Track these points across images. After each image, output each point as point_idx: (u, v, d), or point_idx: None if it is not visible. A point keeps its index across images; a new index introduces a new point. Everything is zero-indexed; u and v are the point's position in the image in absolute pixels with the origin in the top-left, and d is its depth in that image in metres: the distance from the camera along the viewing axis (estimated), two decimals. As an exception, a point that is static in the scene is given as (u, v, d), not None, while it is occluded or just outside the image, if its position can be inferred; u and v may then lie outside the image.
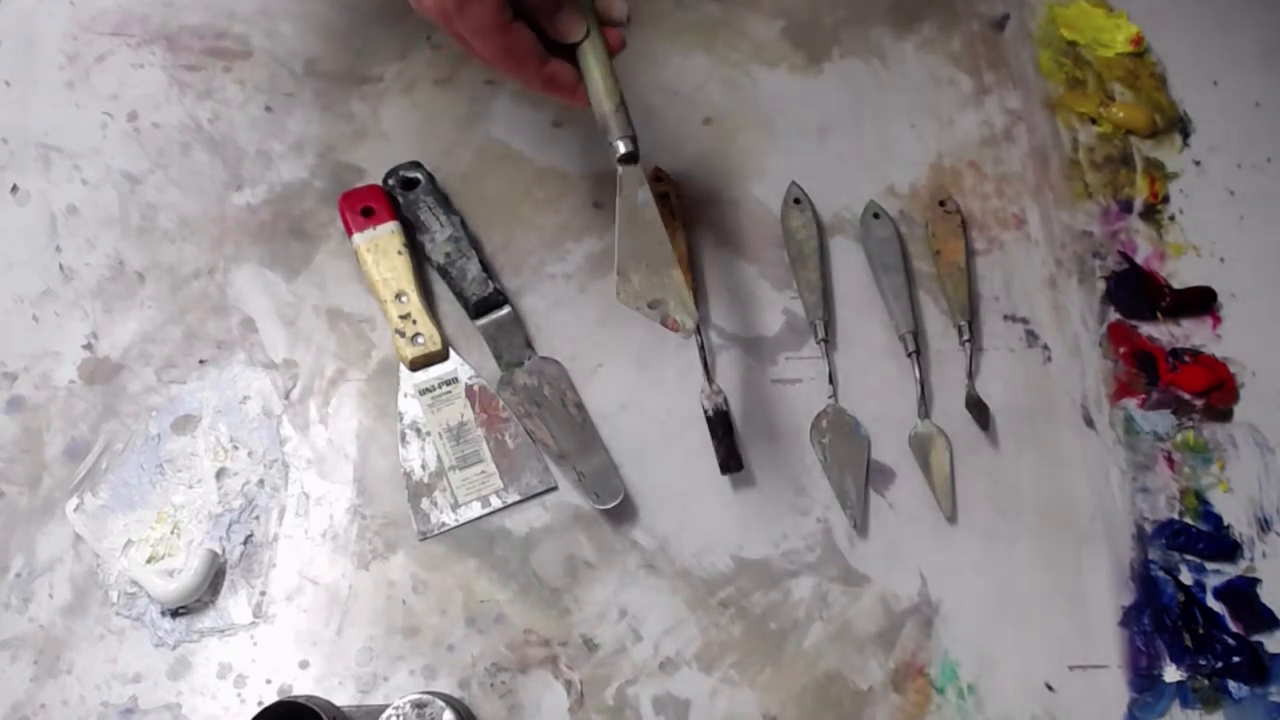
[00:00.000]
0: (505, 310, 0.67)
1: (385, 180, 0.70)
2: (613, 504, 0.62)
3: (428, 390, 0.65)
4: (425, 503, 0.63)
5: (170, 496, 0.63)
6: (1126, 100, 0.75)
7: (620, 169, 0.58)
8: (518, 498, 0.63)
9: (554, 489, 0.64)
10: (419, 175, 0.69)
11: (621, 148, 0.57)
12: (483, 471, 0.64)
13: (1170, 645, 0.61)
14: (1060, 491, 0.65)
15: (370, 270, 0.66)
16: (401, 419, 0.65)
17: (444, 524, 0.63)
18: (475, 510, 0.63)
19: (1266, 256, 0.71)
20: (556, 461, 0.64)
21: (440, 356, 0.66)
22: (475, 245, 0.68)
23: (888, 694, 0.60)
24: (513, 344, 0.66)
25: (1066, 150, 0.74)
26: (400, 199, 0.69)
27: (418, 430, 0.64)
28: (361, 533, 0.63)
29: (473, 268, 0.67)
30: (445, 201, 0.69)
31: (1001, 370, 0.68)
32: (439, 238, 0.68)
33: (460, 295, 0.67)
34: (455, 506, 0.63)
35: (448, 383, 0.65)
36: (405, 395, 0.65)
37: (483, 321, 0.66)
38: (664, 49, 0.76)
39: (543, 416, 0.64)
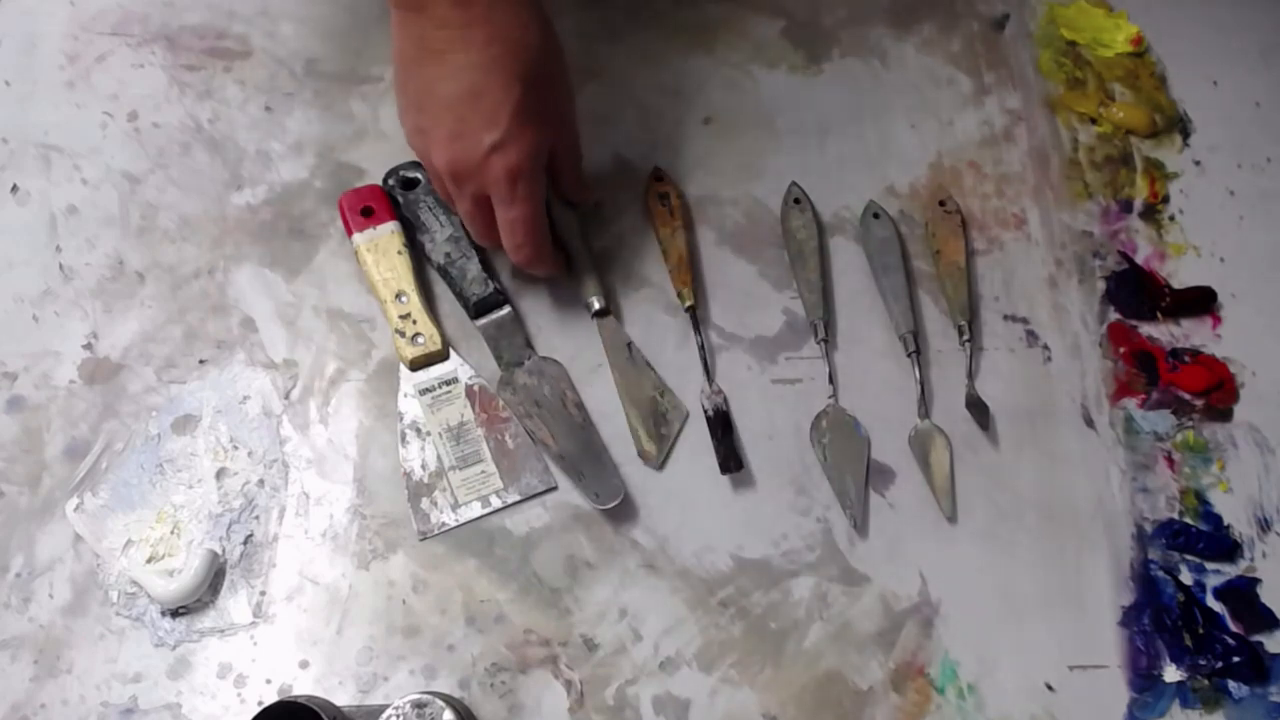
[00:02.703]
0: (505, 310, 0.67)
1: (385, 180, 0.70)
2: (613, 504, 0.62)
3: (428, 390, 0.65)
4: (425, 503, 0.63)
5: (170, 496, 0.63)
6: (1126, 100, 0.75)
7: (598, 322, 0.67)
8: (518, 498, 0.63)
9: (554, 489, 0.64)
10: (419, 175, 0.69)
11: (596, 304, 0.67)
12: (483, 471, 0.64)
13: (1170, 645, 0.61)
14: (1060, 491, 0.65)
15: (370, 270, 0.66)
16: (401, 419, 0.65)
17: (444, 524, 0.63)
18: (475, 510, 0.63)
19: (1266, 256, 0.71)
20: (556, 461, 0.63)
21: (440, 356, 0.66)
22: (475, 245, 0.68)
23: (888, 694, 0.60)
24: (513, 344, 0.66)
25: (1066, 150, 0.74)
26: (400, 199, 0.69)
27: (418, 430, 0.64)
28: (361, 533, 0.63)
29: (473, 268, 0.67)
30: (443, 202, 0.69)
31: (1001, 370, 0.68)
32: (439, 238, 0.67)
33: (460, 295, 0.67)
34: (455, 506, 0.63)
35: (448, 383, 0.65)
36: (405, 395, 0.65)
37: (483, 321, 0.67)
38: (664, 49, 0.76)
39: (543, 416, 0.64)
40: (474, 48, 0.57)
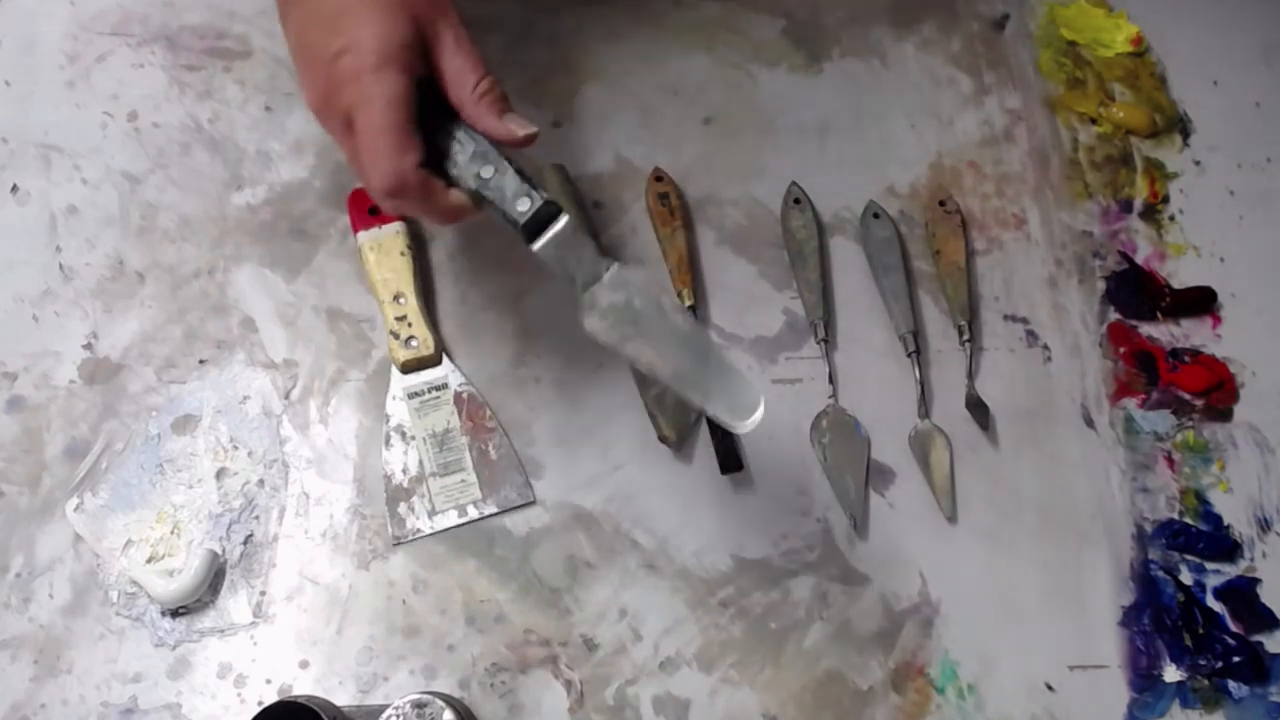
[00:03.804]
0: (563, 222, 0.53)
1: None
2: (753, 420, 0.53)
3: (416, 394, 0.65)
4: (403, 507, 0.63)
5: (170, 496, 0.63)
6: (1126, 100, 0.75)
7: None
8: (494, 510, 0.63)
9: (532, 503, 0.63)
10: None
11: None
12: (463, 480, 0.63)
13: (1170, 645, 0.61)
14: (1060, 491, 0.65)
15: (371, 270, 0.66)
16: (388, 421, 0.64)
17: (419, 530, 0.62)
18: (451, 519, 0.63)
19: (1266, 256, 0.71)
20: (673, 386, 0.54)
21: (432, 361, 0.65)
22: (508, 157, 0.55)
23: (888, 694, 0.60)
24: (583, 259, 0.54)
25: (1066, 150, 0.74)
26: None
27: (403, 434, 0.64)
28: (361, 533, 0.63)
29: (511, 183, 0.53)
30: (458, 119, 0.55)
31: (1001, 370, 0.68)
32: (462, 159, 0.54)
33: (506, 220, 0.54)
34: (432, 514, 0.63)
35: (437, 388, 0.65)
36: (394, 398, 0.65)
37: (541, 243, 0.53)
38: (664, 49, 0.76)
39: (644, 337, 0.54)
40: None
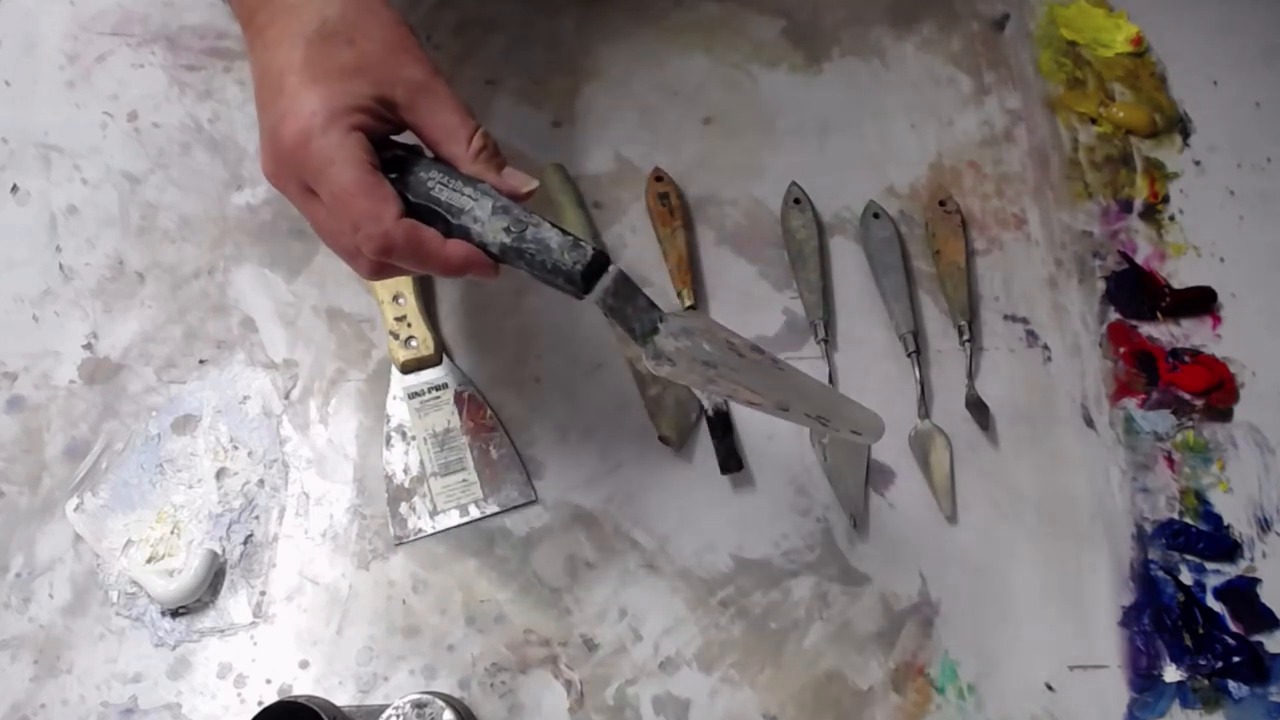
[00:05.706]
0: (612, 271, 0.51)
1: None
2: (879, 434, 0.52)
3: (416, 394, 0.65)
4: (404, 507, 0.63)
5: (170, 496, 0.63)
6: (1126, 100, 0.75)
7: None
8: (496, 509, 0.63)
9: (534, 502, 0.63)
10: (401, 151, 0.53)
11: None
12: (464, 480, 0.63)
13: (1170, 645, 0.61)
14: (1060, 491, 0.65)
15: (370, 270, 0.66)
16: (388, 421, 0.64)
17: (420, 530, 0.63)
18: (453, 519, 0.63)
19: (1266, 256, 0.71)
20: (779, 415, 0.52)
21: (432, 361, 0.65)
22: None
23: (888, 694, 0.60)
24: (638, 308, 0.52)
25: (1066, 150, 0.74)
26: (406, 195, 0.51)
27: (403, 434, 0.64)
28: (361, 533, 0.63)
29: (551, 235, 0.50)
30: (454, 172, 0.52)
31: (1001, 370, 0.68)
32: (481, 214, 0.50)
33: (545, 272, 0.50)
34: (433, 514, 0.63)
35: (437, 388, 0.65)
36: (394, 398, 0.65)
37: (596, 294, 0.51)
38: (664, 49, 0.76)
39: (728, 375, 0.52)
40: (258, 37, 0.52)
